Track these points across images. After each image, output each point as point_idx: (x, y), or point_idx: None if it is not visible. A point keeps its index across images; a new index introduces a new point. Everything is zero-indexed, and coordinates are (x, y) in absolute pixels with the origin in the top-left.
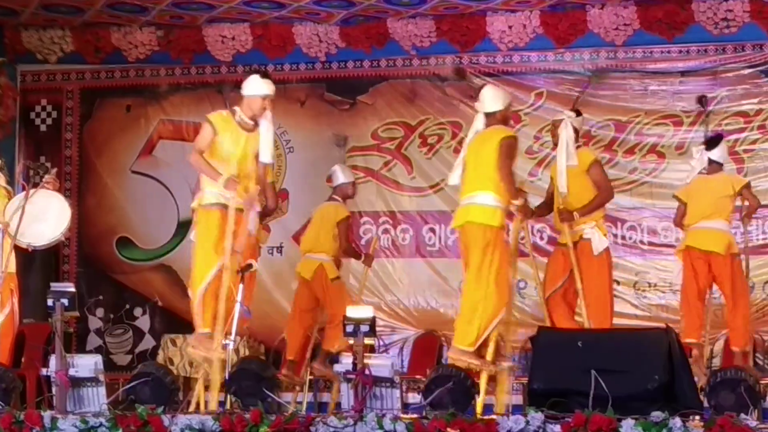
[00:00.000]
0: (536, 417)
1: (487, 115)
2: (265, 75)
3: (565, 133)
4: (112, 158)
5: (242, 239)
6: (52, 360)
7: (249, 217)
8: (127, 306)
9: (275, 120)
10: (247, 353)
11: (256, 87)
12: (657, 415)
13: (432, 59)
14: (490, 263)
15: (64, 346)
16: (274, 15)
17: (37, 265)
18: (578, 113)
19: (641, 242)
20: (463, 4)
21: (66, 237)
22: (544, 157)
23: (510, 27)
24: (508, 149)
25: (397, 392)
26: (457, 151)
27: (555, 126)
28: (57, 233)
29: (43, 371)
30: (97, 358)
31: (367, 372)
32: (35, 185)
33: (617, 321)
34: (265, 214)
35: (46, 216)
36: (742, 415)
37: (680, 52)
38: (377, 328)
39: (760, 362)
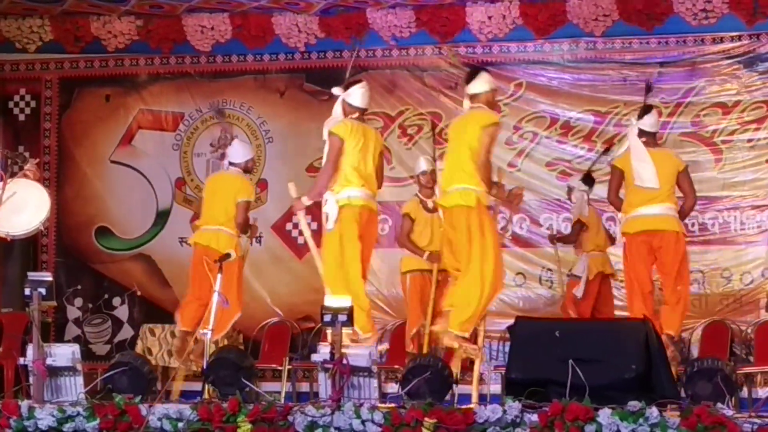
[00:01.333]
0: (513, 406)
1: (647, 133)
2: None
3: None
4: (91, 148)
5: None
6: (30, 349)
7: None
8: (106, 296)
9: (254, 110)
10: (225, 343)
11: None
12: (634, 404)
13: (411, 50)
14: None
15: (42, 336)
16: (253, 5)
17: (15, 255)
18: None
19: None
20: None
21: (45, 227)
22: (523, 148)
23: (489, 18)
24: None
25: (374, 382)
26: (437, 142)
27: None
28: (36, 222)
29: (21, 360)
30: (75, 348)
31: (344, 361)
32: (13, 175)
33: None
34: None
35: (25, 205)
36: (719, 405)
37: (659, 42)
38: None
39: (738, 352)
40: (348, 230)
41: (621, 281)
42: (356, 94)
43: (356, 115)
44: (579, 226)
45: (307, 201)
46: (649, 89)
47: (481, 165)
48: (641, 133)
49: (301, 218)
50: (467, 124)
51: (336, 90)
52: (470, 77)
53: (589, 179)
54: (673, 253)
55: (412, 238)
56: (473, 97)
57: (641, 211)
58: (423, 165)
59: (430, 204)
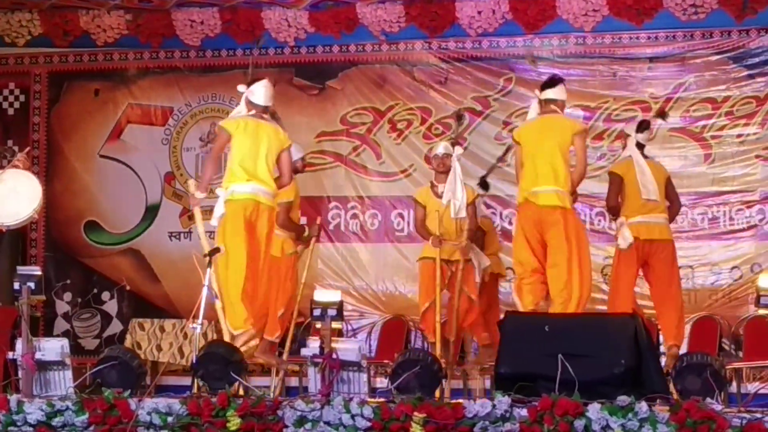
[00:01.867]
0: (503, 401)
1: (641, 146)
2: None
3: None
4: (80, 142)
5: None
6: (19, 343)
7: None
8: (95, 290)
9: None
10: (215, 337)
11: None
12: (623, 399)
13: (401, 45)
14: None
15: (31, 330)
16: (242, 0)
17: (4, 249)
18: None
19: (609, 228)
20: None
21: (34, 220)
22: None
23: (479, 12)
24: None
25: (364, 376)
26: (426, 137)
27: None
28: (29, 211)
29: (10, 355)
30: (64, 342)
31: (334, 356)
32: (1, 168)
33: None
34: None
35: (16, 195)
36: (708, 400)
37: (649, 38)
38: (345, 313)
39: (727, 347)
40: (230, 224)
41: (509, 280)
42: (258, 92)
43: (253, 112)
44: (481, 232)
45: (199, 194)
46: (663, 115)
47: (581, 169)
48: (637, 145)
49: (197, 213)
50: (554, 129)
51: (240, 87)
52: (550, 84)
53: (484, 184)
54: (670, 260)
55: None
56: (548, 102)
57: (640, 219)
58: (440, 149)
59: (440, 190)
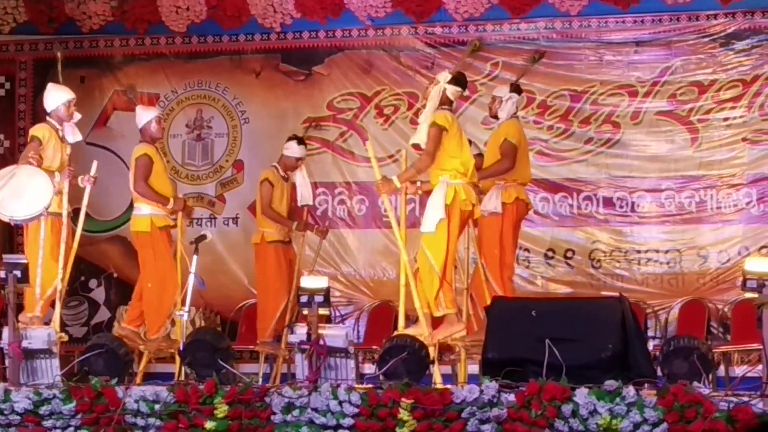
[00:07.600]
0: (490, 386)
1: None
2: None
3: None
4: None
5: None
6: (5, 332)
7: None
8: (82, 278)
9: (230, 91)
10: (202, 324)
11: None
12: (610, 383)
13: (387, 30)
14: None
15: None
16: None
17: None
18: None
19: (596, 212)
20: None
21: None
22: None
23: None
24: None
25: (351, 362)
26: (413, 122)
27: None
28: (39, 208)
29: None
30: (51, 330)
31: (321, 342)
32: None
33: (573, 290)
34: None
35: (28, 190)
36: (695, 383)
37: (635, 22)
38: (333, 299)
39: (715, 331)
40: None
41: None
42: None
43: None
44: None
45: None
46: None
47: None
48: None
49: None
50: None
51: None
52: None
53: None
54: None
55: None
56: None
57: None
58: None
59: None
